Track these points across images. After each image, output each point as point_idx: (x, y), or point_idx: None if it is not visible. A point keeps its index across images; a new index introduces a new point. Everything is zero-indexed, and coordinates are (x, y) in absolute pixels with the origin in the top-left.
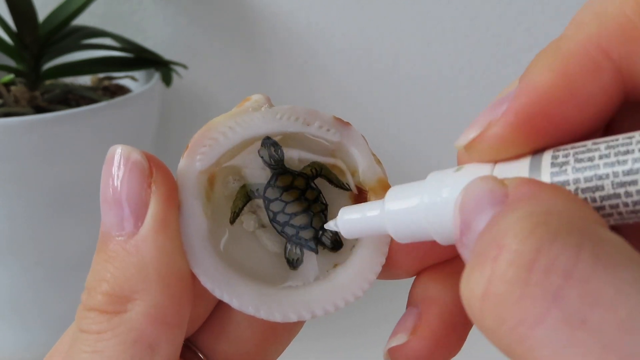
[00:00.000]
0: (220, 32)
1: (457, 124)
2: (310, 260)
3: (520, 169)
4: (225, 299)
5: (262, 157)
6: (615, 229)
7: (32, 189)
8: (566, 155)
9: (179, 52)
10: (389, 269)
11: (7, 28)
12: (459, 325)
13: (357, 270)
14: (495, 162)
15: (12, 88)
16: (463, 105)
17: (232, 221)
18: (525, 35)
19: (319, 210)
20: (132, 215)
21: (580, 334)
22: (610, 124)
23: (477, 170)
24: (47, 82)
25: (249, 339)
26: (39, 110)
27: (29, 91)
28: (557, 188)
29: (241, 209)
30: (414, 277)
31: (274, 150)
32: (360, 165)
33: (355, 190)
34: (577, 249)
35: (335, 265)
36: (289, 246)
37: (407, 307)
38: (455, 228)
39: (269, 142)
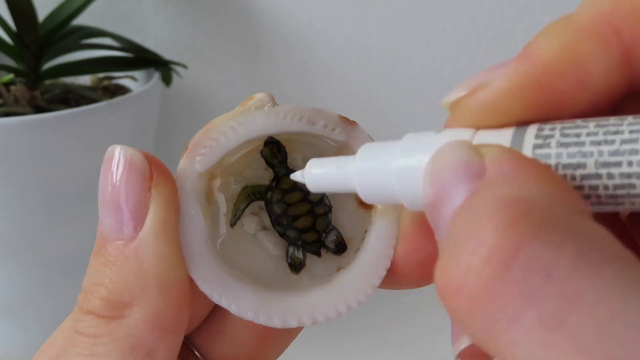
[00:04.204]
0: (220, 31)
1: None
2: (313, 264)
3: (502, 137)
4: (224, 303)
5: (264, 158)
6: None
7: (31, 188)
8: (553, 129)
9: (179, 52)
10: (392, 276)
11: (7, 28)
12: None
13: (360, 275)
14: (478, 128)
15: (12, 88)
16: None
17: (233, 224)
18: (525, 35)
19: (323, 213)
20: (131, 220)
21: (556, 336)
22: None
23: (456, 135)
24: (47, 82)
25: (246, 340)
26: (38, 110)
27: (28, 91)
28: (539, 167)
29: (242, 211)
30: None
31: (277, 151)
32: None
33: None
34: (559, 247)
35: (338, 269)
36: (290, 249)
37: None
38: (426, 196)
39: (271, 142)
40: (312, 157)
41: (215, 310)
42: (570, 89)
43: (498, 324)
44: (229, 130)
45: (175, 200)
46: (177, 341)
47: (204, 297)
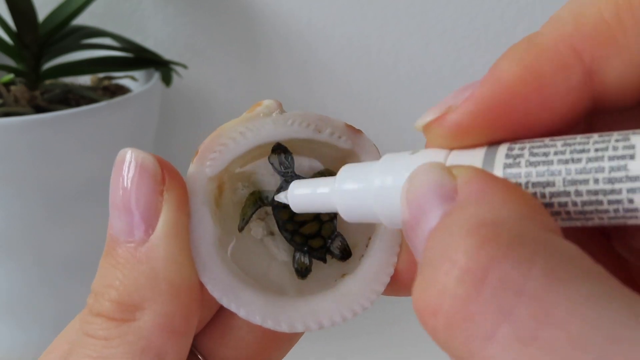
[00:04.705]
0: (220, 31)
1: None
2: (319, 270)
3: (474, 158)
4: (233, 308)
5: (272, 164)
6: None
7: (31, 188)
8: (522, 149)
9: (179, 52)
10: (395, 283)
11: (7, 28)
12: None
13: (365, 281)
14: (452, 148)
15: (12, 88)
16: None
17: (241, 229)
18: (525, 35)
19: (329, 219)
20: (142, 222)
21: (530, 350)
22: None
23: (431, 156)
24: (47, 82)
25: (249, 344)
26: (38, 110)
27: (28, 91)
28: (508, 186)
29: (250, 216)
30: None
31: (285, 157)
32: None
33: None
34: (528, 265)
35: (343, 275)
36: (297, 255)
37: None
38: (403, 217)
39: (279, 149)
40: (318, 163)
41: (219, 314)
42: (534, 109)
43: (475, 342)
44: (238, 135)
45: (186, 204)
46: (187, 344)
47: (209, 300)
